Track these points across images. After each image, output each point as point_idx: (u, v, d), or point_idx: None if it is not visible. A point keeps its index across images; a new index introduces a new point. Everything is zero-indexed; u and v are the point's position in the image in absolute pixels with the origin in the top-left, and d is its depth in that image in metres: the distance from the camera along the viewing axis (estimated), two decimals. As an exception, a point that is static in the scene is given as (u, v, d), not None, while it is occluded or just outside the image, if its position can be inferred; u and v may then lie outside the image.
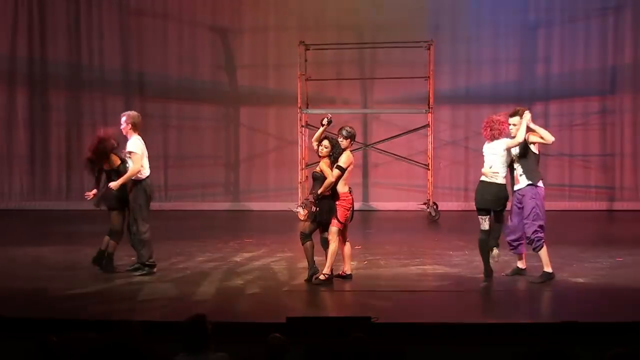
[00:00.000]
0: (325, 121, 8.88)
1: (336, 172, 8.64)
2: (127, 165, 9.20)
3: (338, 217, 8.67)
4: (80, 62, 16.29)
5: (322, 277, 8.71)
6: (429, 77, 14.57)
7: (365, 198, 15.82)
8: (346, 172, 8.73)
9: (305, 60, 14.89)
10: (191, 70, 16.23)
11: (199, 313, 5.20)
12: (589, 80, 15.68)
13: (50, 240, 11.88)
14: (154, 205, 14.92)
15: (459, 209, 15.50)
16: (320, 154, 8.78)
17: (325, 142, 8.75)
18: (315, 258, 8.80)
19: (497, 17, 15.77)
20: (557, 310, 7.83)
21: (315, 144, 8.89)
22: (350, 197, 8.81)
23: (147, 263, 9.20)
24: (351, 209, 8.84)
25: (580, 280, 8.80)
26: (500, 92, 15.85)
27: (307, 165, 14.65)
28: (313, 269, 8.76)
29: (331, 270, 8.76)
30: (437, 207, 14.58)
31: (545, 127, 15.51)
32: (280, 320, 6.88)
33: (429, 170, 14.74)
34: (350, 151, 8.91)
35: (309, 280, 8.75)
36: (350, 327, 6.04)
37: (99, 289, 8.72)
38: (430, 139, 14.74)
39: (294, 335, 5.98)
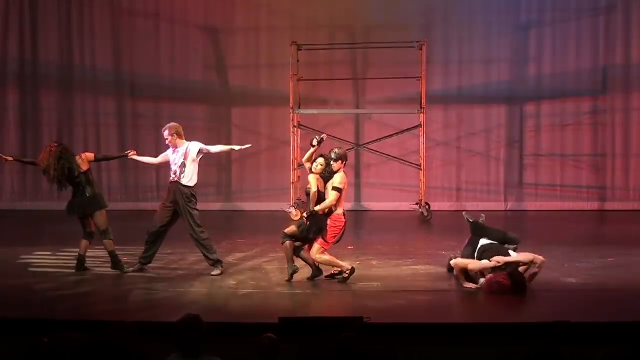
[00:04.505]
0: (315, 142, 8.89)
1: (334, 194, 8.66)
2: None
3: (326, 237, 8.69)
4: (71, 62, 16.25)
5: (345, 275, 8.74)
6: (421, 77, 14.58)
7: (358, 198, 15.83)
8: (343, 192, 8.75)
9: (298, 61, 14.88)
10: (183, 71, 16.20)
11: (193, 314, 5.18)
12: (580, 81, 15.72)
13: (41, 240, 11.85)
14: (147, 205, 15.10)
15: (452, 209, 15.52)
16: (314, 171, 8.79)
17: (320, 160, 8.80)
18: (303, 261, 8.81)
19: (489, 17, 15.79)
20: (549, 310, 7.84)
21: (307, 165, 8.91)
22: (343, 220, 8.80)
23: (218, 259, 9.32)
24: (342, 232, 8.83)
25: (572, 280, 8.82)
26: (492, 92, 15.89)
27: (299, 165, 14.63)
28: (293, 268, 8.78)
29: (343, 266, 8.78)
30: (429, 207, 14.59)
31: (537, 127, 15.82)
32: (273, 320, 6.87)
33: (422, 170, 14.75)
34: (344, 172, 8.89)
35: (290, 279, 8.76)
36: (343, 327, 6.03)
37: (90, 290, 8.70)
38: (422, 139, 14.75)
39: (287, 336, 5.97)
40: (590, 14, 15.68)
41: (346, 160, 8.90)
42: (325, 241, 8.69)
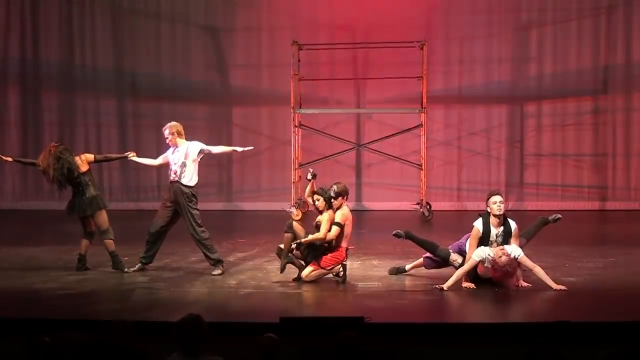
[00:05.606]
0: (309, 177, 8.90)
1: (335, 229, 8.65)
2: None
3: (321, 263, 8.69)
4: (72, 62, 16.27)
5: (340, 274, 8.77)
6: (422, 76, 14.59)
7: (359, 198, 15.83)
8: (345, 228, 8.72)
9: (299, 60, 14.89)
10: (184, 70, 16.22)
11: (194, 313, 5.18)
12: (581, 80, 15.72)
13: (42, 240, 11.85)
14: (147, 205, 15.10)
15: (452, 208, 15.53)
16: (319, 209, 8.79)
17: (316, 196, 8.78)
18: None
19: (489, 17, 15.79)
20: (549, 310, 7.84)
21: (309, 200, 8.91)
22: (344, 255, 8.79)
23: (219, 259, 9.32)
24: (337, 264, 8.79)
25: (573, 279, 8.81)
26: (493, 92, 15.89)
27: (300, 165, 14.65)
28: (287, 259, 8.74)
29: (333, 270, 8.80)
30: (430, 207, 14.59)
31: (538, 127, 15.82)
32: (274, 320, 6.87)
33: (422, 170, 14.76)
34: (347, 206, 8.84)
35: (282, 271, 8.74)
36: (344, 327, 6.03)
37: (91, 290, 8.69)
38: (423, 138, 14.76)
39: (287, 336, 5.97)
40: (591, 13, 15.68)
41: (347, 194, 8.82)
42: (319, 266, 8.72)
